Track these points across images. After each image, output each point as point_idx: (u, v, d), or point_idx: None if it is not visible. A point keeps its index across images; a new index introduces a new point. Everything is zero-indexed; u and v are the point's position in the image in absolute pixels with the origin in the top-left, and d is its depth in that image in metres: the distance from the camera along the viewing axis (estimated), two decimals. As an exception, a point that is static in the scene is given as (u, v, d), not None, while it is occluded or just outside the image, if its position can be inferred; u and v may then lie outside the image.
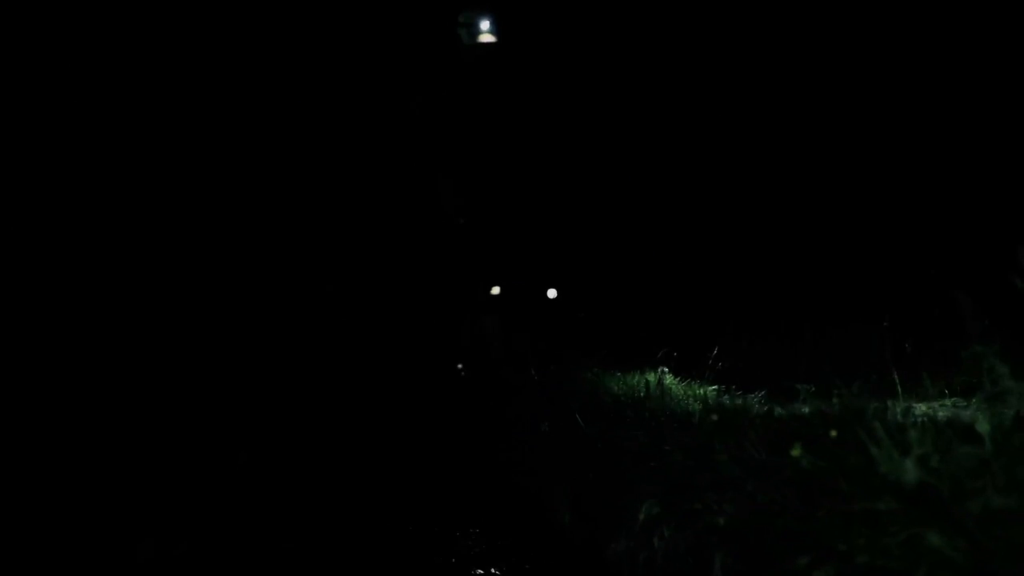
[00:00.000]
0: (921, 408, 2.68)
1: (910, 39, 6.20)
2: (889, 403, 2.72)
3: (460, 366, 9.91)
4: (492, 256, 10.58)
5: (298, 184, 9.38)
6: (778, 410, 3.45)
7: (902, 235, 6.11)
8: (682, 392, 4.71)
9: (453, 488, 4.96)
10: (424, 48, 9.94)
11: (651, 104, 8.94)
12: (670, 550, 2.89)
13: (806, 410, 3.07)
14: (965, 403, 2.49)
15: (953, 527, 1.79)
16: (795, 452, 2.35)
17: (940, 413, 2.40)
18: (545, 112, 9.96)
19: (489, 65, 9.87)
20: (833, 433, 2.32)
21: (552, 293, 10.62)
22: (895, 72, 6.37)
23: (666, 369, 5.15)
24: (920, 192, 6.11)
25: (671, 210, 8.76)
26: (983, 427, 1.92)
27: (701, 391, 4.59)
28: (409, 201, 10.41)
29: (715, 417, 3.36)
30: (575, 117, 9.79)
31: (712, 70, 8.09)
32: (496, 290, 10.49)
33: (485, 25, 9.71)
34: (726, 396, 4.44)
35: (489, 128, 10.15)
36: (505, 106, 10.07)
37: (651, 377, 5.02)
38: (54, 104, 6.99)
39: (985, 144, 5.80)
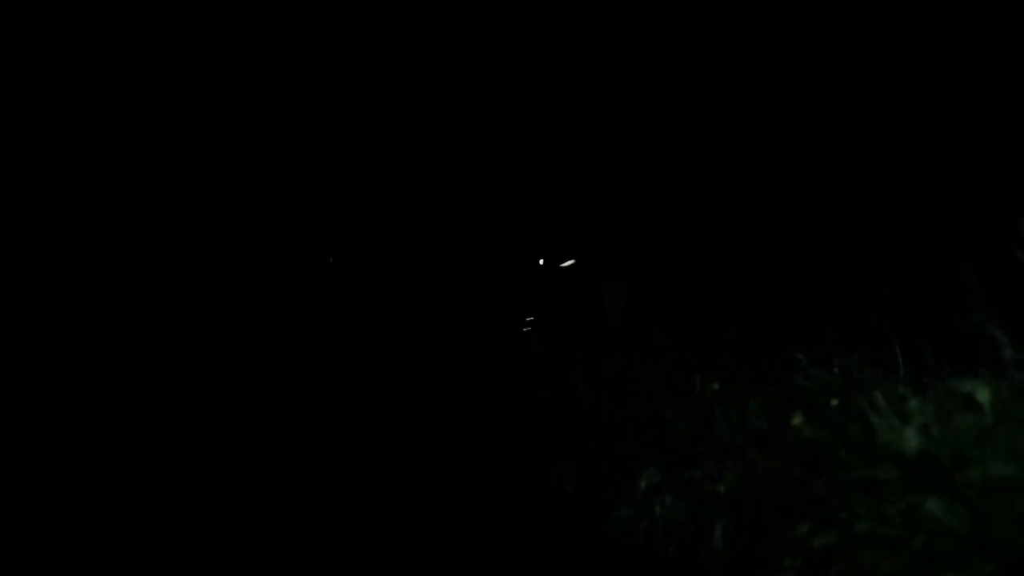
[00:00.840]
0: (921, 378, 2.70)
1: (911, 19, 6.12)
2: (890, 373, 2.73)
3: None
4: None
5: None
6: (779, 380, 3.47)
7: (901, 206, 6.10)
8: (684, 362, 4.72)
9: (455, 467, 4.97)
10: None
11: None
12: (671, 518, 2.93)
13: (807, 380, 3.09)
14: (965, 373, 2.50)
15: (953, 495, 1.81)
16: (796, 421, 2.37)
17: (940, 383, 2.41)
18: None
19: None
20: (834, 402, 2.34)
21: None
22: (894, 46, 6.31)
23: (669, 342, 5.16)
24: (919, 163, 6.08)
25: (669, 181, 8.60)
26: (983, 396, 1.93)
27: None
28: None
29: (716, 386, 3.38)
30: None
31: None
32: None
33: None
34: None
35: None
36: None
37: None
38: (51, 101, 6.88)
39: (984, 115, 5.76)
